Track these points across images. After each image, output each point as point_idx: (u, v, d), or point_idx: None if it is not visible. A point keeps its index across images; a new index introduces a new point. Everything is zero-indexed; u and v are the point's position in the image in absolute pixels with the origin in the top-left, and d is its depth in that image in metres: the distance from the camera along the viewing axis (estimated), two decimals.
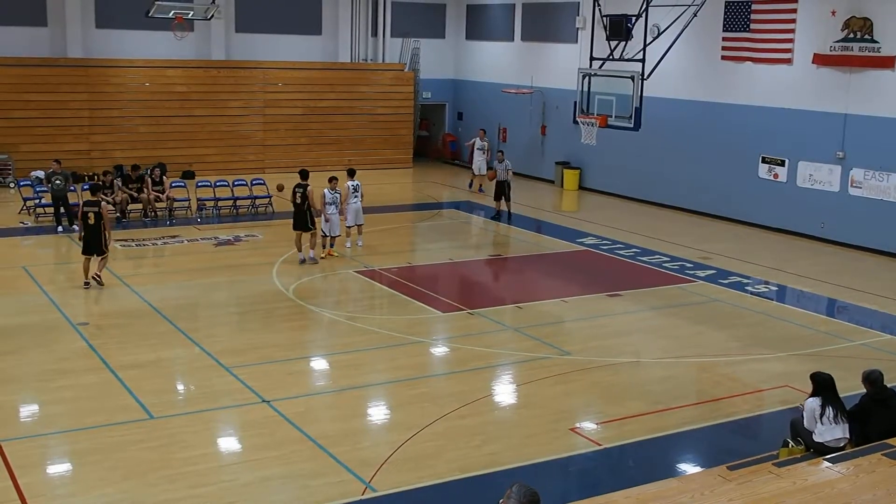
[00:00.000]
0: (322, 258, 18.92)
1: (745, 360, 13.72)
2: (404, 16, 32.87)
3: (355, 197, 19.53)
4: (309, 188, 18.60)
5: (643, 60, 18.69)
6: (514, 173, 24.58)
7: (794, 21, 22.07)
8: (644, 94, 18.76)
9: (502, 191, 23.76)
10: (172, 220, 22.43)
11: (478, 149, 27.90)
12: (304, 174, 18.96)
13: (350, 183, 19.50)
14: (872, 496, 7.24)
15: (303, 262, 18.63)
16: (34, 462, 9.96)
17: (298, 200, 18.54)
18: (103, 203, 17.32)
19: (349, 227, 19.67)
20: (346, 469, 9.83)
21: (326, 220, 19.00)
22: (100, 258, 16.62)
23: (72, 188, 21.78)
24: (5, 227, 21.42)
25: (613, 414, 11.58)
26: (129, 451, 10.12)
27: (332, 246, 19.25)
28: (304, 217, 18.59)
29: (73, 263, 18.83)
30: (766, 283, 18.36)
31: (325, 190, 18.94)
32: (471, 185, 28.04)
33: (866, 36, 20.50)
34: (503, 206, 23.91)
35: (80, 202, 17.83)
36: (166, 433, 10.65)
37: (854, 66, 20.80)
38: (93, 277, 16.54)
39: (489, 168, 25.74)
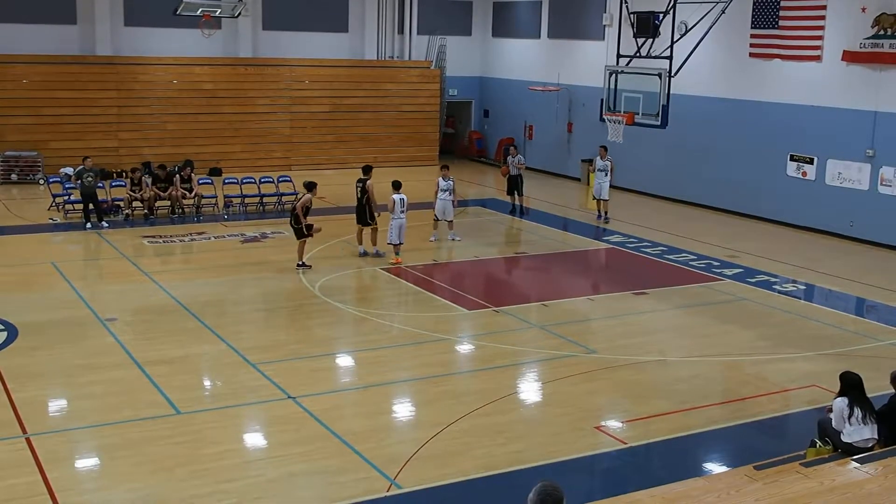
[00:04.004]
0: (395, 262, 18.56)
1: (772, 359, 13.62)
2: (431, 13, 32.88)
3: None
4: (368, 182, 18.54)
5: (671, 57, 18.65)
6: (541, 171, 24.43)
7: (823, 18, 21.88)
8: (671, 92, 18.73)
9: (514, 185, 23.84)
10: (199, 217, 22.58)
11: (599, 169, 23.30)
12: (365, 169, 18.90)
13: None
14: None
15: (363, 254, 18.79)
16: (63, 456, 10.05)
17: (359, 195, 18.64)
18: (299, 194, 18.18)
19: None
20: (372, 466, 9.85)
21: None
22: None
23: (100, 185, 21.94)
24: (35, 224, 21.62)
25: (639, 412, 11.53)
26: (157, 446, 10.19)
27: (397, 254, 18.75)
28: (363, 211, 18.66)
29: (101, 259, 19.03)
30: (794, 281, 18.22)
31: (394, 195, 18.41)
32: (600, 216, 23.54)
33: None
34: (516, 201, 23.99)
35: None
36: (193, 429, 10.72)
37: (884, 63, 20.56)
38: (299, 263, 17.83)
39: (504, 164, 25.13)
